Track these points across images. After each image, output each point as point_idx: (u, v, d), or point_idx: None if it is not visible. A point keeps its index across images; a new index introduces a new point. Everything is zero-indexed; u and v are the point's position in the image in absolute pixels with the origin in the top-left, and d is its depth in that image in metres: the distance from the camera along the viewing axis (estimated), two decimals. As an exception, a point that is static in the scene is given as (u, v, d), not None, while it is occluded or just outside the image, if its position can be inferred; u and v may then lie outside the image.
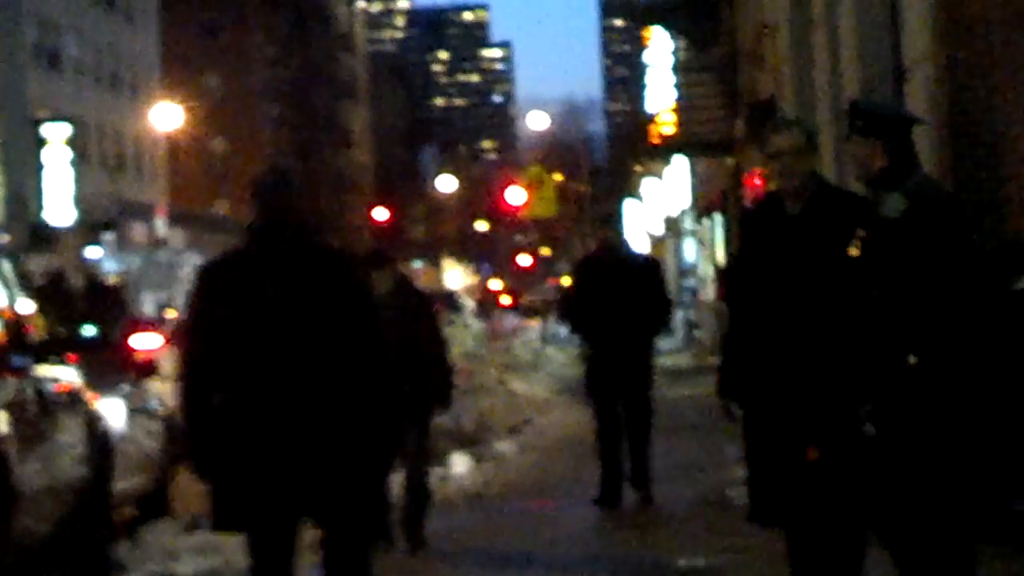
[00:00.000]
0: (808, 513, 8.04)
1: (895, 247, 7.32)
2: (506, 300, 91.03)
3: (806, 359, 7.93)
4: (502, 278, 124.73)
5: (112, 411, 12.50)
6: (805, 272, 7.97)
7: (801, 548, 8.21)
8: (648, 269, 14.97)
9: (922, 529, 7.26)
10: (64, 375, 10.25)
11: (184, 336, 7.71)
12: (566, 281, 40.35)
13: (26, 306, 9.99)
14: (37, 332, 10.01)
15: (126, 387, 14.68)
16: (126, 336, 17.55)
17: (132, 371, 15.27)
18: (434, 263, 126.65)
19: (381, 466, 7.87)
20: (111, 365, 13.96)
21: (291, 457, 7.39)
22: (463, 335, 41.25)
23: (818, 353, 7.87)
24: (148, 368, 16.03)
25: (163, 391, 17.45)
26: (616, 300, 14.20)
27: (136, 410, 14.90)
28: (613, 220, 16.08)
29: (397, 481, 12.22)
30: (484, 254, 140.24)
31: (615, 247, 14.90)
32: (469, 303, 74.32)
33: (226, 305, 7.53)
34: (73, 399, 10.38)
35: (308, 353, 7.43)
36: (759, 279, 8.19)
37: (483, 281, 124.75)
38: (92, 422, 10.69)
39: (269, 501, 7.43)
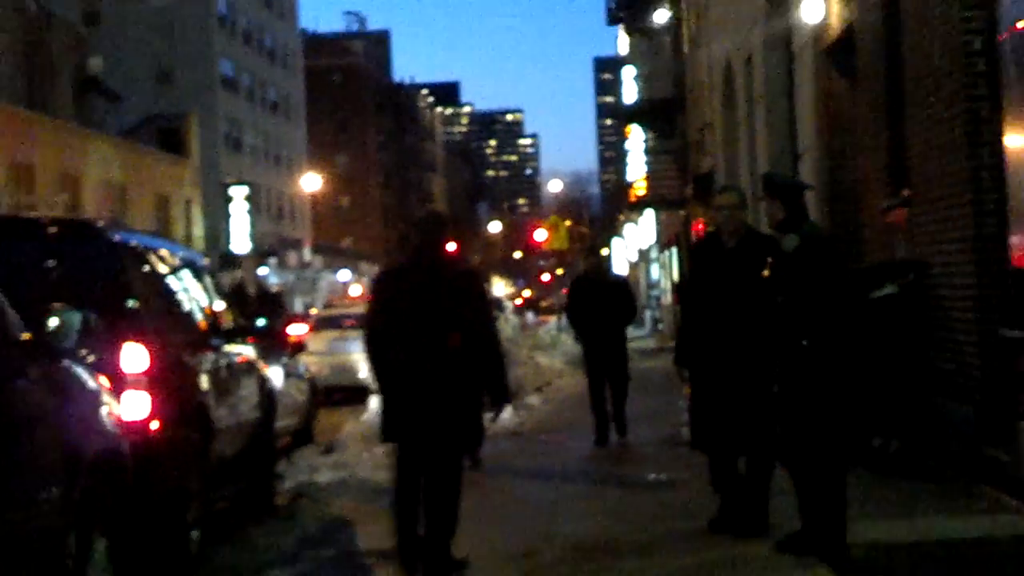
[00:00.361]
0: (728, 442, 8.04)
1: (792, 270, 7.30)
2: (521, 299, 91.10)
3: (734, 342, 7.90)
4: (531, 289, 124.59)
5: (275, 375, 12.51)
6: (735, 286, 7.95)
7: (720, 466, 8.22)
8: (620, 286, 14.79)
9: (810, 454, 7.24)
10: (244, 351, 10.26)
11: (368, 317, 7.68)
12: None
13: (219, 306, 10.00)
14: (226, 323, 10.02)
15: (284, 359, 14.71)
16: (284, 326, 17.56)
17: (288, 349, 15.29)
18: (486, 279, 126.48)
19: (497, 405, 7.92)
20: (274, 345, 13.99)
21: (430, 398, 7.40)
22: (505, 326, 41.13)
23: (742, 338, 7.85)
24: (298, 347, 16.04)
25: (308, 362, 17.49)
26: (598, 306, 14.04)
27: (290, 374, 14.92)
28: (596, 250, 15.80)
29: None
30: (519, 273, 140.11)
31: (597, 270, 14.70)
32: (510, 305, 74.16)
33: (393, 298, 7.54)
34: (250, 367, 10.38)
35: (444, 332, 7.42)
36: (703, 291, 8.17)
37: (519, 291, 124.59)
38: (262, 382, 10.69)
39: (415, 424, 7.46)
